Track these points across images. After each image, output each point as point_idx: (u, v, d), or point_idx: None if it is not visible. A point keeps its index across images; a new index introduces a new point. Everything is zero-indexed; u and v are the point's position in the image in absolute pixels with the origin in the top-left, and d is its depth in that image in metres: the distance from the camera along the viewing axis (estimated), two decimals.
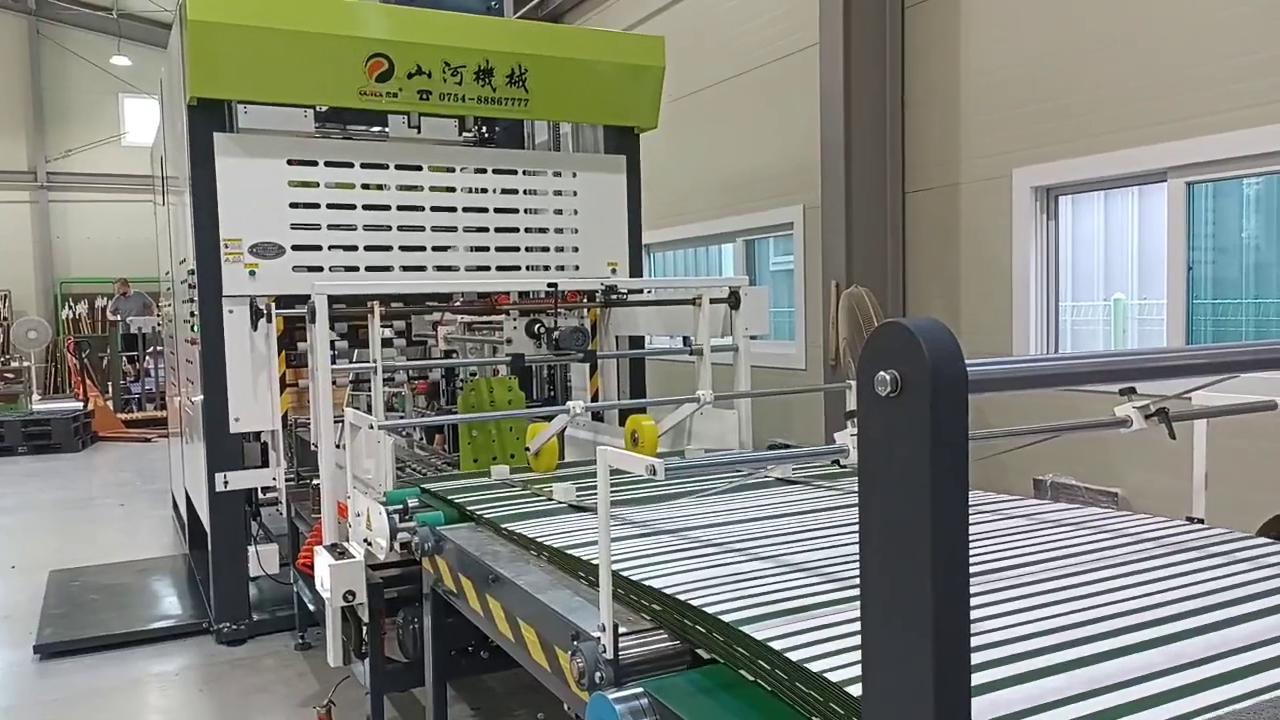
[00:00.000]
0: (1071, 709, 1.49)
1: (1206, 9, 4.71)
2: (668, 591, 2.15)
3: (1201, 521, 2.71)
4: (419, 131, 5.70)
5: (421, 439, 6.08)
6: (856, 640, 1.14)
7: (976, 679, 1.54)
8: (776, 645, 1.76)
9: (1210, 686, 1.57)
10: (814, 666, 1.64)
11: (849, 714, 1.52)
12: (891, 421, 1.00)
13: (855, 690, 1.49)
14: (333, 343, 5.20)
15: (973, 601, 1.96)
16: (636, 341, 5.89)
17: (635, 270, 6.04)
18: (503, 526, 3.06)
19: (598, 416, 5.55)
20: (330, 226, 5.19)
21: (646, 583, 2.23)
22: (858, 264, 6.32)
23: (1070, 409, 4.98)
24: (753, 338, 4.71)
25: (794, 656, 1.71)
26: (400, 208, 5.35)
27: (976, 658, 1.67)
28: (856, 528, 1.09)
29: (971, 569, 2.27)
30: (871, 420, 1.02)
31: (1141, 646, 1.75)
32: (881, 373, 1.00)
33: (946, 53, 6.15)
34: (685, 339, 4.76)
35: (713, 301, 4.61)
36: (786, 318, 8.02)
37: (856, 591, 1.11)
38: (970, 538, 2.60)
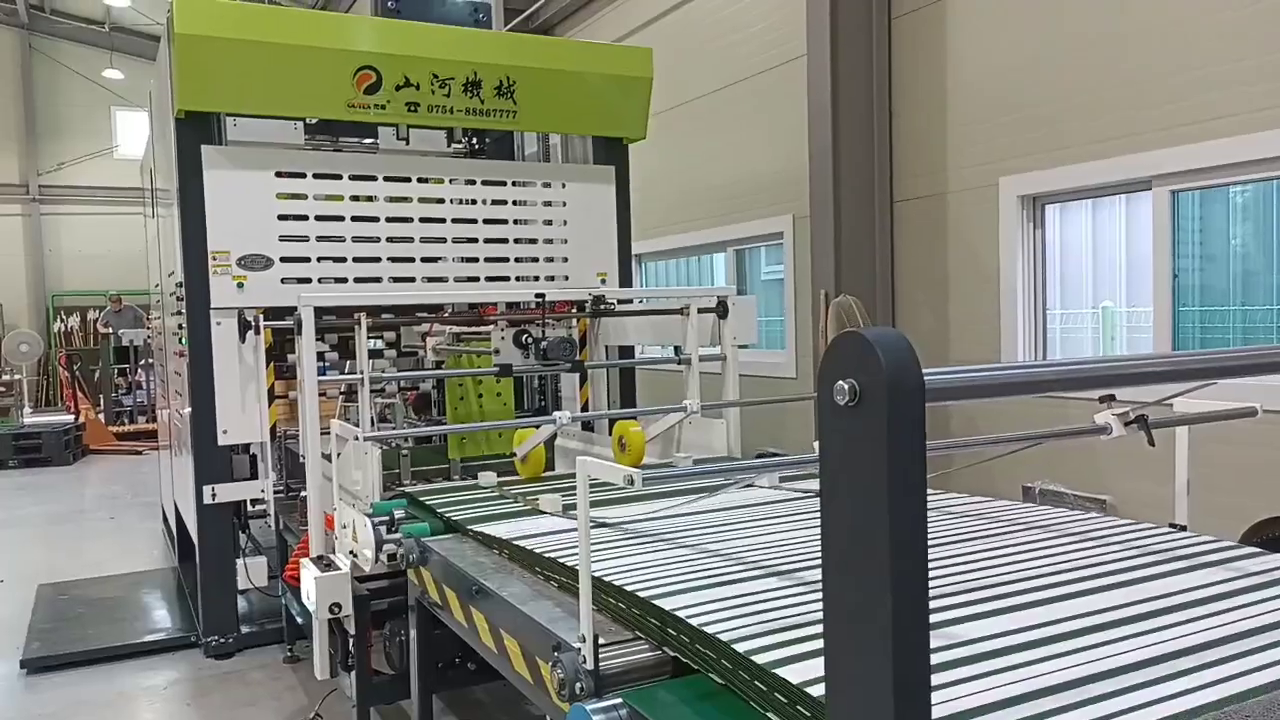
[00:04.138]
0: (1030, 709, 1.50)
1: (1191, 19, 4.75)
2: (647, 598, 2.15)
3: (1184, 528, 2.72)
4: (408, 143, 5.71)
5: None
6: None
7: (939, 679, 1.55)
8: (742, 648, 1.79)
9: (1178, 690, 1.57)
10: (787, 674, 1.65)
11: None
12: (850, 430, 1.01)
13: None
14: (322, 354, 5.22)
15: (944, 603, 1.99)
16: (626, 351, 5.90)
17: (625, 280, 6.05)
18: (471, 529, 3.11)
19: (588, 426, 5.55)
20: (319, 238, 5.20)
21: (628, 589, 2.23)
22: (846, 273, 6.34)
23: (1058, 417, 5.00)
24: (741, 347, 4.72)
25: (761, 660, 1.73)
26: (389, 219, 5.37)
27: (943, 658, 1.68)
28: None
29: (945, 570, 2.30)
30: (831, 429, 1.03)
31: (1109, 647, 1.76)
32: (840, 382, 1.01)
33: (933, 63, 6.18)
34: (675, 348, 4.77)
35: (701, 311, 4.63)
36: (778, 327, 8.03)
37: None
38: (949, 540, 2.62)
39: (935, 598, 1.97)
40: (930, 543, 1.08)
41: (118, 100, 19.13)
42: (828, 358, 1.03)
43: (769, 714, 1.67)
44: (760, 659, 1.72)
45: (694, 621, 1.96)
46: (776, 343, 8.04)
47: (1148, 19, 4.93)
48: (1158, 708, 1.51)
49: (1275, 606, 2.02)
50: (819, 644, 1.77)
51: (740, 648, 1.79)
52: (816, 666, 1.66)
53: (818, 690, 1.56)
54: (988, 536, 2.70)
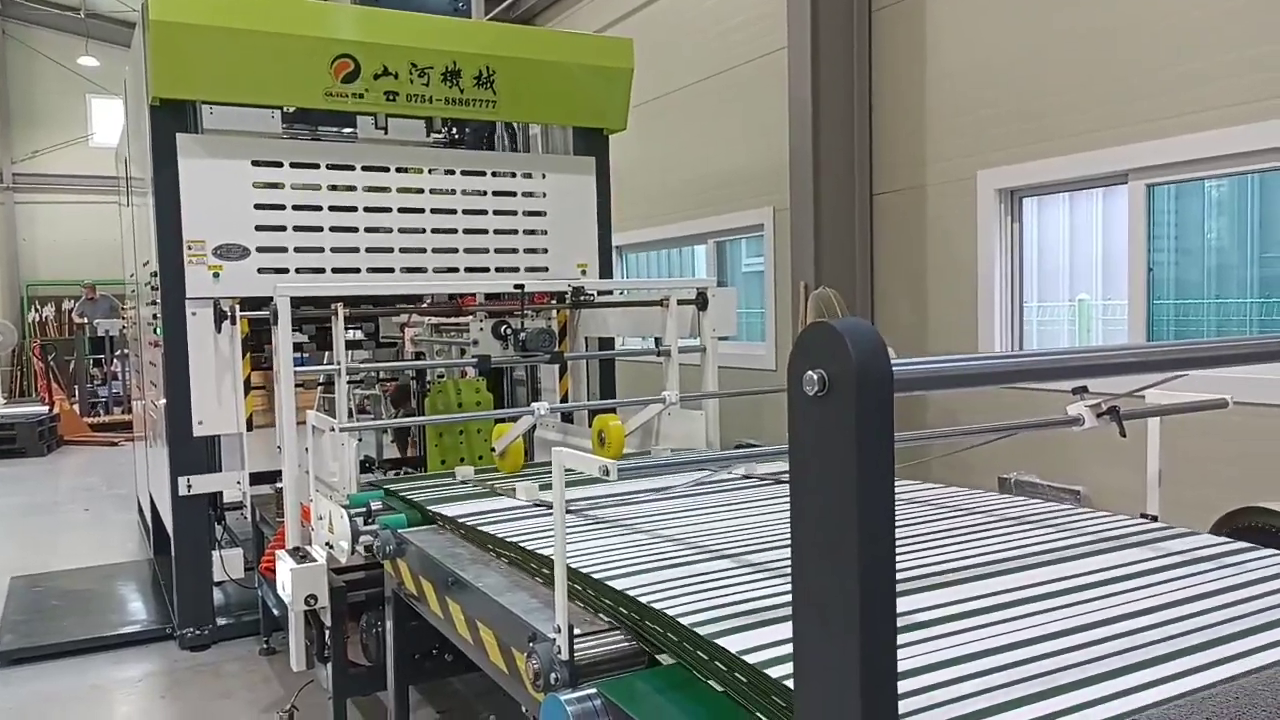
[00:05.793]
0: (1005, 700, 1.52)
1: (1168, 14, 4.78)
2: (621, 589, 2.16)
3: (1155, 519, 2.74)
4: (386, 133, 5.67)
5: (394, 442, 6.04)
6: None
7: (910, 683, 1.57)
8: (686, 621, 1.86)
9: (1143, 684, 1.59)
10: (727, 644, 1.71)
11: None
12: (819, 420, 1.01)
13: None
14: (300, 345, 5.18)
15: (914, 595, 2.01)
16: (606, 343, 5.90)
17: (605, 271, 6.04)
18: (430, 509, 3.13)
19: (568, 418, 5.54)
20: (296, 228, 5.15)
21: (602, 580, 2.24)
22: (826, 265, 6.36)
23: (1037, 409, 5.04)
24: (721, 339, 4.73)
25: (704, 631, 1.79)
26: (368, 209, 5.33)
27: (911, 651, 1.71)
28: None
29: (915, 560, 2.33)
30: (800, 419, 1.03)
31: (1076, 638, 1.78)
32: (809, 372, 1.01)
33: (913, 56, 6.20)
34: (655, 340, 4.77)
35: (681, 303, 4.63)
36: (758, 319, 8.05)
37: None
38: (920, 529, 2.66)
39: None
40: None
41: (93, 88, 18.89)
42: (797, 348, 1.03)
43: (710, 682, 1.73)
44: (703, 630, 1.80)
45: (643, 600, 2.03)
46: (756, 335, 8.05)
47: (1126, 16, 4.96)
48: (1074, 671, 1.56)
49: (1216, 576, 2.08)
50: (760, 617, 1.85)
51: (685, 621, 1.86)
52: (756, 637, 1.74)
53: (755, 658, 1.63)
54: (941, 520, 2.75)
